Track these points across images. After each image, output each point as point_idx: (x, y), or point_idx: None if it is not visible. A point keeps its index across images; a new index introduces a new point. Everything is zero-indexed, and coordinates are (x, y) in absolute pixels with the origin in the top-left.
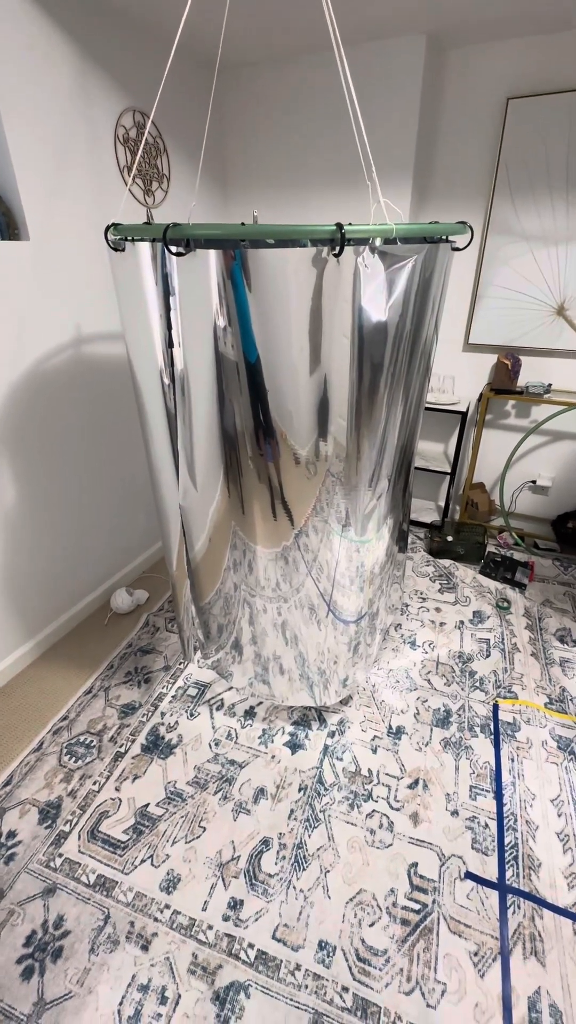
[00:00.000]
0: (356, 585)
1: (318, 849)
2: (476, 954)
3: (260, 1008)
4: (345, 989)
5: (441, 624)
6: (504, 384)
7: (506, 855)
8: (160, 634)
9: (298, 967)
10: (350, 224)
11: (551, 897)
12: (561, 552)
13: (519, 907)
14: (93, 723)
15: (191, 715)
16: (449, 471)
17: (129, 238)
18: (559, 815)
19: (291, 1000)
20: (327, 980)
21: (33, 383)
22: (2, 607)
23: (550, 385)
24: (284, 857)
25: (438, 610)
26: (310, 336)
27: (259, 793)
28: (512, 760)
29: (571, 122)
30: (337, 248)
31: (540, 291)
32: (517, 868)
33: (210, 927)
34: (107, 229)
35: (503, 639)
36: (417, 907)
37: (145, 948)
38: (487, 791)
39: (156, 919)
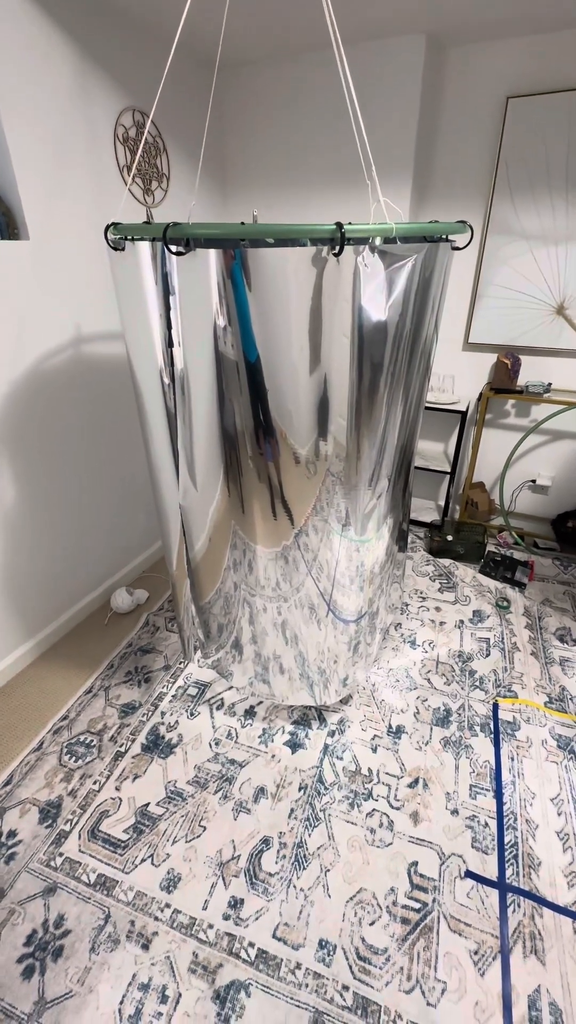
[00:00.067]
0: (356, 584)
1: (318, 848)
2: (476, 953)
3: (260, 1007)
4: (345, 988)
5: (441, 623)
6: (504, 383)
7: (506, 854)
8: (160, 634)
9: (298, 966)
10: (350, 223)
11: (551, 896)
12: (561, 551)
13: (519, 906)
14: (93, 723)
15: (191, 714)
16: (449, 470)
17: (129, 237)
18: (559, 814)
19: (291, 999)
20: (327, 979)
21: (33, 383)
22: (2, 607)
23: (550, 384)
24: (284, 856)
25: (438, 609)
26: (310, 335)
27: (259, 792)
28: (512, 759)
29: (571, 121)
30: (337, 247)
31: (540, 290)
32: (517, 867)
33: (210, 926)
34: (107, 228)
35: (503, 638)
36: (417, 906)
37: (146, 947)
38: (487, 790)
39: (156, 918)
